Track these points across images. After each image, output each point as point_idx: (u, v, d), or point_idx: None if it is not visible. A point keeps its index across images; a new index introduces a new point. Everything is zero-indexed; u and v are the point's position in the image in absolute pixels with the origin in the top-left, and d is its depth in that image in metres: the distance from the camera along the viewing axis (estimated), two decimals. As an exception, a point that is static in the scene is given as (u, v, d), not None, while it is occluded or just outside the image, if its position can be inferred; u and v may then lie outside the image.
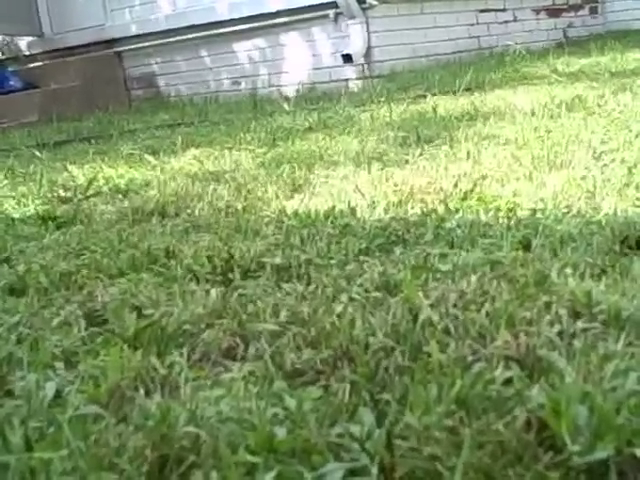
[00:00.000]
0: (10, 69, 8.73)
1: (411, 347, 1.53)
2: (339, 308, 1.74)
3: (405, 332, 1.58)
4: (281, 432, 1.21)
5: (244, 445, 1.20)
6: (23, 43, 9.25)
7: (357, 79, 7.11)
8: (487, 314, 1.62)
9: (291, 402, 1.30)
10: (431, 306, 1.69)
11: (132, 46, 8.57)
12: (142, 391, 1.47)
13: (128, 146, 5.00)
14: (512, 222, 2.34)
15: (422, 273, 1.94)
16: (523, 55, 6.86)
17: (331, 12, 7.11)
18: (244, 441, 1.20)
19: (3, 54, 9.01)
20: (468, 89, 5.41)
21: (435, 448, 1.14)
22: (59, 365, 1.63)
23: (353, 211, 2.67)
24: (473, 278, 1.83)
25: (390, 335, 1.58)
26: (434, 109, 4.62)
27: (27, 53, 9.13)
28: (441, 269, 1.97)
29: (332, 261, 2.17)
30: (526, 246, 2.13)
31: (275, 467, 1.14)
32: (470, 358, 1.43)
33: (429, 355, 1.46)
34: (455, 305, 1.69)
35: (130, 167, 4.17)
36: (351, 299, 1.82)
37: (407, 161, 3.42)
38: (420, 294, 1.75)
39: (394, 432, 1.20)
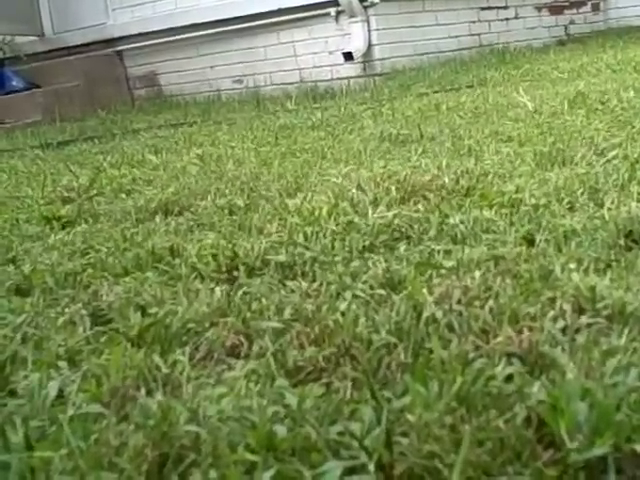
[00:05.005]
0: (11, 69, 8.72)
1: (414, 344, 1.53)
2: (343, 305, 1.74)
3: (408, 329, 1.58)
4: (281, 430, 1.20)
5: (244, 444, 1.19)
6: (24, 43, 9.24)
7: (358, 77, 7.10)
8: (491, 310, 1.61)
9: (292, 400, 1.30)
10: (435, 303, 1.68)
11: (134, 45, 8.56)
12: (144, 390, 1.47)
13: (131, 146, 5.01)
14: (515, 218, 2.33)
15: (426, 269, 1.94)
16: (524, 52, 6.85)
17: (332, 10, 7.11)
18: (244, 440, 1.20)
19: (4, 54, 8.99)
20: (470, 86, 5.41)
21: (434, 445, 1.14)
22: (63, 364, 1.63)
23: (356, 208, 2.67)
24: (477, 274, 1.82)
25: (393, 332, 1.58)
26: (436, 106, 4.61)
27: (28, 53, 9.12)
28: (445, 265, 1.96)
29: (336, 258, 2.16)
30: (530, 241, 2.12)
31: (274, 465, 1.14)
32: (472, 354, 1.43)
33: (431, 352, 1.45)
34: (459, 301, 1.68)
35: (133, 167, 4.17)
36: (355, 296, 1.81)
37: (409, 158, 3.41)
38: (424, 291, 1.75)
39: (394, 429, 1.20)
